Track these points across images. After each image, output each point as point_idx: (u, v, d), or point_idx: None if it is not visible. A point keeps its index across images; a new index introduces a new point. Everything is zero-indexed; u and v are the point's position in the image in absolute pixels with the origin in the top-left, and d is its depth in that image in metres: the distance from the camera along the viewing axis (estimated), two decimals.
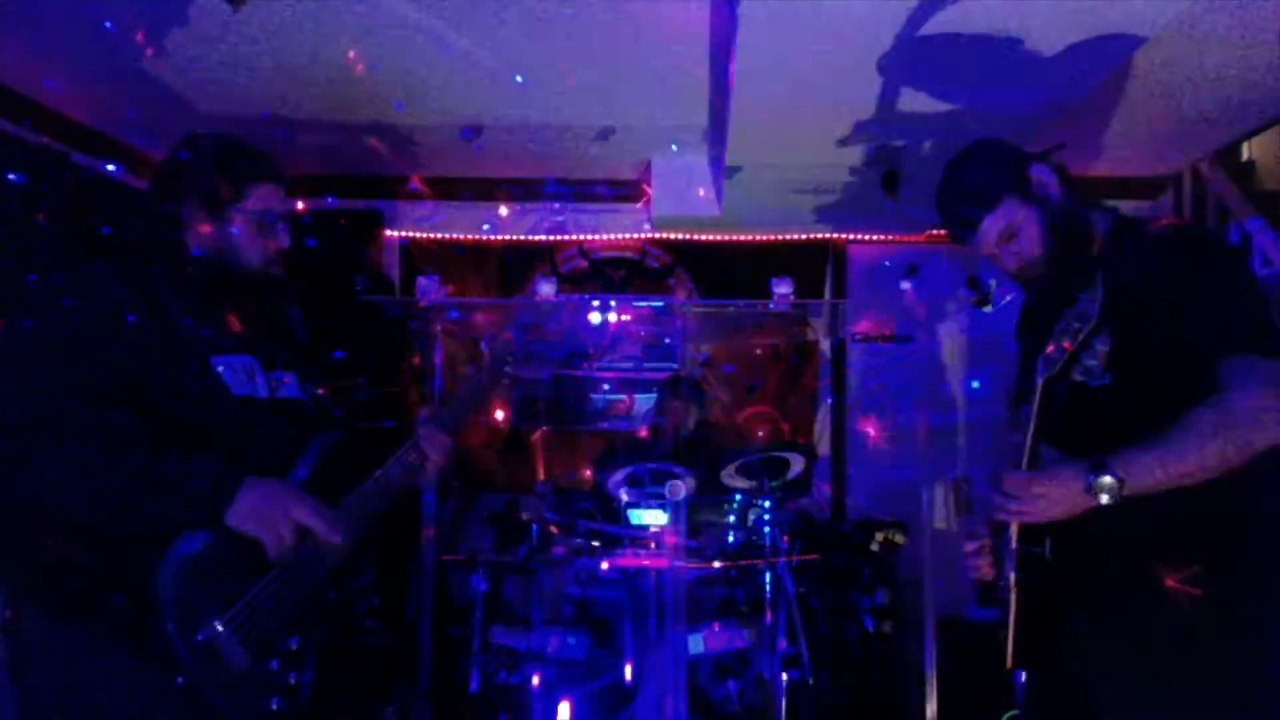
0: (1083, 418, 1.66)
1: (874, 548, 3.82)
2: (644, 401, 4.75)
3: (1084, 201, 1.85)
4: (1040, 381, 1.60)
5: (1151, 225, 1.83)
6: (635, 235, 4.75)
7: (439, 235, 4.72)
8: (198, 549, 1.53)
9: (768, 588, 3.20)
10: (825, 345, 4.80)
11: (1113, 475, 1.52)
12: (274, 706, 1.57)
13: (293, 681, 1.61)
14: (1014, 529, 1.69)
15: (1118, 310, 1.55)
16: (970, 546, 1.89)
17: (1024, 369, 1.98)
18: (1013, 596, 1.70)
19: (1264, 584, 1.63)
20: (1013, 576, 1.70)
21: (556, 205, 4.72)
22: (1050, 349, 1.59)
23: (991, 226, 1.83)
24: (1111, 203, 1.91)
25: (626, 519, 3.63)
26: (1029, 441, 1.63)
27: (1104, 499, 1.53)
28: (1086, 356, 1.54)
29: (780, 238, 4.73)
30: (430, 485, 1.97)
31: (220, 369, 1.68)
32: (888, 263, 4.59)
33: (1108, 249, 1.80)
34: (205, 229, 1.75)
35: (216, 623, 1.50)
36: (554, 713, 3.12)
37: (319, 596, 1.70)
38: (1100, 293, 1.51)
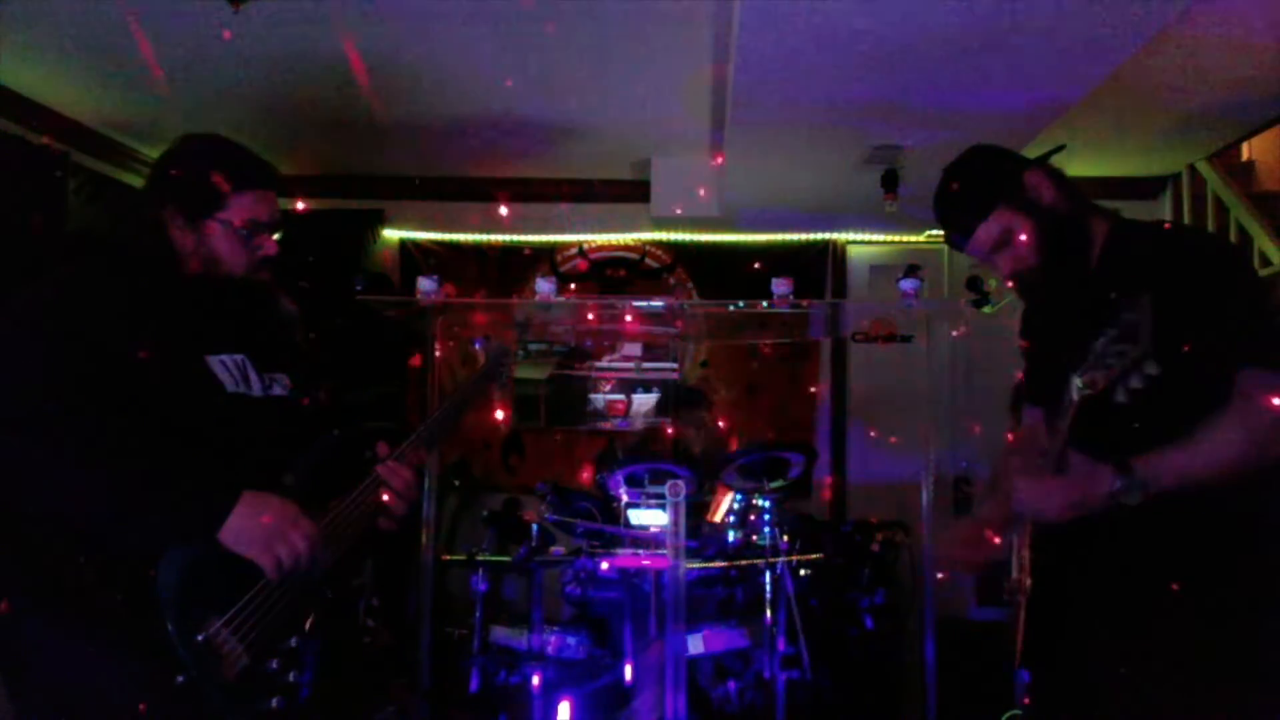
0: (1104, 426, 1.64)
1: (874, 548, 3.81)
2: (643, 402, 4.75)
3: (1082, 205, 1.84)
4: (1075, 399, 1.56)
5: (1155, 230, 1.82)
6: (635, 235, 4.76)
7: (439, 235, 4.73)
8: (197, 549, 1.53)
9: (768, 588, 3.20)
10: (825, 345, 4.80)
11: (1140, 482, 1.51)
12: (274, 705, 1.56)
13: (292, 680, 1.61)
14: (1024, 533, 1.69)
15: (1161, 332, 1.47)
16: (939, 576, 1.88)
17: (1036, 373, 1.97)
18: (1021, 597, 1.71)
19: (1267, 587, 1.63)
20: (1025, 580, 1.70)
21: (556, 205, 4.73)
22: (1091, 371, 1.52)
23: (985, 234, 1.82)
24: (1111, 203, 1.90)
25: (626, 519, 3.63)
26: (1056, 457, 1.60)
27: (1127, 502, 1.52)
28: (1133, 380, 1.50)
29: (780, 238, 4.73)
30: (396, 520, 1.88)
31: (213, 367, 1.67)
32: (887, 263, 4.61)
33: (1108, 253, 1.79)
34: (184, 235, 1.72)
35: (217, 622, 1.50)
36: (554, 713, 3.12)
37: (317, 595, 1.69)
38: (1149, 315, 1.44)
